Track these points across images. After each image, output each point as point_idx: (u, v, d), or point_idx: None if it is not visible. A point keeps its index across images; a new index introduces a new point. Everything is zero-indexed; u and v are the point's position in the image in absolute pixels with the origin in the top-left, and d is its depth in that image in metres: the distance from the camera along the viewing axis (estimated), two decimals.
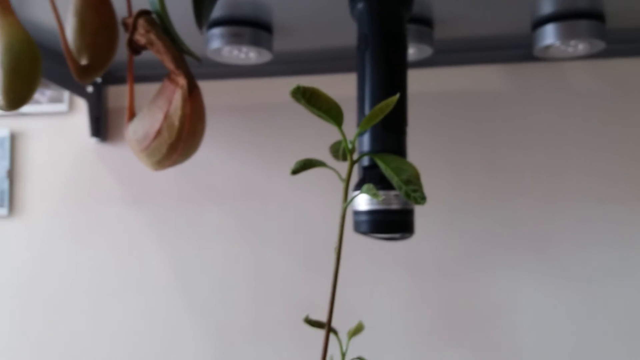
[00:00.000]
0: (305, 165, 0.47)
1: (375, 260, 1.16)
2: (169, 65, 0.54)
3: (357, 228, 0.72)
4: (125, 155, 1.31)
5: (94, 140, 1.33)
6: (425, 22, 0.95)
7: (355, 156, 0.49)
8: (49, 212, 1.35)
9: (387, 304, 1.15)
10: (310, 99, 0.43)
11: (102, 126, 1.31)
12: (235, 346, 1.21)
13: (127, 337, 1.27)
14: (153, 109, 0.55)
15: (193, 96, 0.54)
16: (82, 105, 1.35)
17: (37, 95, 1.37)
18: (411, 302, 1.14)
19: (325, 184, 1.20)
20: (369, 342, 1.15)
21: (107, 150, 1.33)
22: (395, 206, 0.70)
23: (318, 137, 1.21)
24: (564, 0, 0.88)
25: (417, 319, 1.14)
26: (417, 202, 0.49)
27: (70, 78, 1.22)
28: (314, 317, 0.55)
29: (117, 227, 1.30)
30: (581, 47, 0.95)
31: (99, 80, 1.30)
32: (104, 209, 1.32)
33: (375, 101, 0.71)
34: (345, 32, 1.01)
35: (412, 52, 0.99)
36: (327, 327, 0.46)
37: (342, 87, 1.21)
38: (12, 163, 1.39)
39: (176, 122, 0.54)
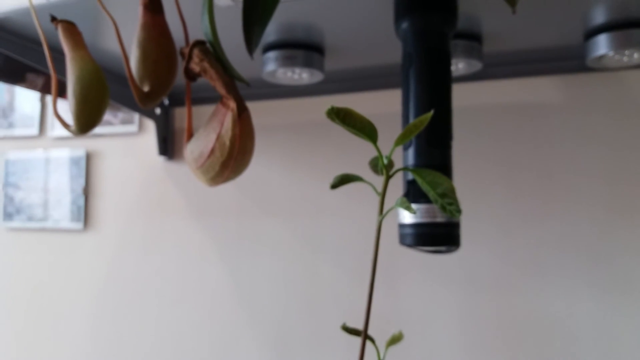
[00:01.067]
0: (343, 180, 0.50)
1: (429, 274, 1.17)
2: (221, 90, 0.58)
3: (403, 241, 0.74)
4: (190, 172, 1.39)
5: (161, 159, 1.42)
6: (474, 37, 0.97)
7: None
8: (120, 226, 1.45)
9: (440, 318, 1.15)
10: (345, 118, 0.46)
11: (169, 145, 1.40)
12: (291, 356, 1.25)
13: (187, 343, 1.34)
14: (207, 130, 0.60)
15: (242, 118, 0.59)
16: (150, 126, 1.44)
17: (110, 117, 1.48)
18: (466, 316, 1.14)
19: (377, 198, 1.22)
20: (422, 356, 1.15)
21: (173, 167, 1.41)
22: (440, 219, 0.71)
23: (370, 151, 1.24)
24: (617, 10, 0.87)
25: (472, 333, 1.13)
26: (453, 215, 0.51)
27: None
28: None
29: (181, 239, 1.38)
30: (636, 55, 0.93)
31: (166, 102, 1.39)
32: (170, 222, 1.40)
33: (417, 116, 0.73)
34: (391, 51, 1.03)
35: (462, 66, 1.01)
36: (364, 334, 0.49)
37: (388, 103, 1.23)
38: (87, 181, 1.50)
39: (227, 142, 0.58)
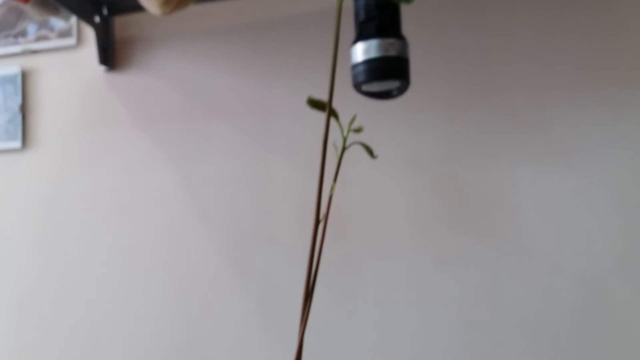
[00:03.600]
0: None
1: (377, 160, 1.21)
2: None
3: (356, 79, 0.77)
4: (133, 81, 1.37)
5: (102, 71, 1.39)
6: None
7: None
8: (61, 143, 1.40)
9: (389, 195, 1.20)
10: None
11: (109, 55, 1.37)
12: (248, 251, 1.26)
13: (141, 254, 1.32)
14: None
15: None
16: (89, 38, 1.40)
17: (46, 32, 1.43)
18: (413, 192, 1.19)
19: (325, 96, 1.25)
20: (374, 230, 1.20)
21: (115, 78, 1.38)
22: (392, 53, 0.75)
23: (316, 48, 1.26)
24: None
25: (420, 209, 1.19)
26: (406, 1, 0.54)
27: (79, 4, 1.27)
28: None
29: (127, 150, 1.36)
30: None
31: (105, 11, 1.36)
32: (114, 135, 1.37)
33: None
34: None
35: None
36: (329, 107, 0.51)
37: None
38: (24, 98, 1.44)
39: None
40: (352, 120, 0.55)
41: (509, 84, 1.17)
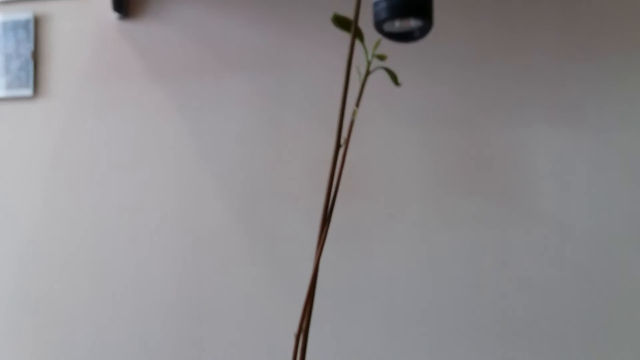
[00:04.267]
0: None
1: (393, 117, 1.19)
2: None
3: (378, 17, 0.74)
4: (147, 30, 1.34)
5: (116, 19, 1.36)
6: None
7: None
8: (72, 91, 1.39)
9: (402, 154, 1.18)
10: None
11: (123, 3, 1.34)
12: (258, 203, 1.25)
13: (151, 204, 1.31)
14: None
15: None
16: None
17: None
18: (427, 151, 1.17)
19: (343, 48, 1.22)
20: (385, 188, 1.18)
21: (129, 27, 1.36)
22: None
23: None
24: None
25: (432, 168, 1.16)
26: None
27: None
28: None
29: (140, 101, 1.34)
30: None
31: None
32: (126, 85, 1.35)
33: None
34: None
35: None
36: (354, 25, 0.49)
37: None
38: (36, 45, 1.42)
39: None
40: (377, 44, 0.53)
41: (531, 48, 1.13)
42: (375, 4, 0.75)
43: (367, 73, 0.51)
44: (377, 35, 0.96)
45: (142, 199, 1.32)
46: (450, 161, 1.16)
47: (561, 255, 1.09)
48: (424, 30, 0.77)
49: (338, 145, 0.49)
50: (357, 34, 0.51)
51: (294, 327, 1.21)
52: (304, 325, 0.50)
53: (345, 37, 1.21)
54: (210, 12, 1.31)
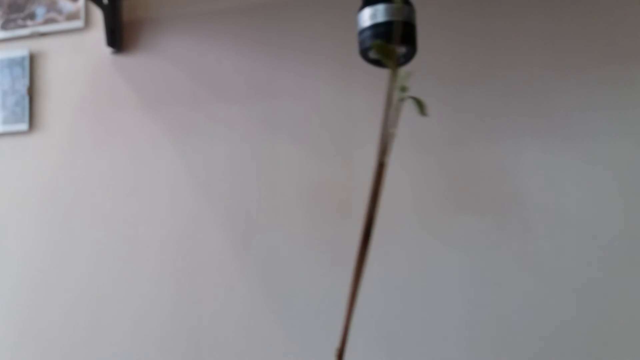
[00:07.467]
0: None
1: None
2: None
3: (363, 45, 0.77)
4: (141, 64, 1.37)
5: (109, 53, 1.39)
6: None
7: None
8: (68, 125, 1.41)
9: (394, 175, 1.19)
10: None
11: (117, 37, 1.37)
12: (253, 232, 1.26)
13: (146, 234, 1.32)
14: None
15: None
16: (97, 20, 1.41)
17: (54, 15, 1.44)
18: (418, 173, 1.18)
19: (332, 77, 1.25)
20: (380, 210, 1.19)
21: (122, 60, 1.38)
22: (399, 18, 0.74)
23: (323, 29, 1.26)
24: None
25: (424, 189, 1.18)
26: None
27: None
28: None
29: (133, 132, 1.36)
30: None
31: None
32: (120, 117, 1.37)
33: None
34: None
35: None
36: (394, 53, 0.51)
37: None
38: (31, 81, 1.44)
39: None
40: (407, 75, 0.55)
41: (515, 64, 1.16)
42: (361, 33, 0.78)
43: (400, 100, 0.55)
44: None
45: (138, 229, 1.33)
46: (441, 182, 1.17)
47: (555, 272, 1.10)
48: (408, 57, 0.80)
49: (382, 164, 0.52)
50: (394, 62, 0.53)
51: (291, 354, 1.21)
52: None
53: (329, 67, 1.25)
54: (202, 45, 1.34)
